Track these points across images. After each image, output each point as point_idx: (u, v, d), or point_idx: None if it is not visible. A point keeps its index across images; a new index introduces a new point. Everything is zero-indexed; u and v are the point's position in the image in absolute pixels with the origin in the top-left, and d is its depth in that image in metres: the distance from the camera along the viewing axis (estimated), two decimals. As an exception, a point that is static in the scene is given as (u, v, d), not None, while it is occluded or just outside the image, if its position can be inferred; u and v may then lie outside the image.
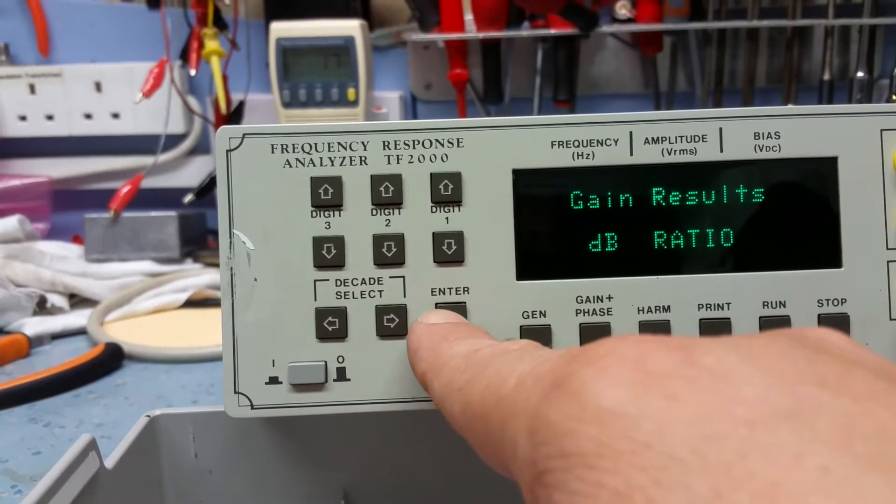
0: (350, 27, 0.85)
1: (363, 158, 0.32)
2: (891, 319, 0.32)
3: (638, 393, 0.15)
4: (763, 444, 0.14)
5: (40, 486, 0.25)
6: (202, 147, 1.00)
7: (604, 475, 0.14)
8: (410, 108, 1.01)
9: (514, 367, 0.20)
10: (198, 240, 0.92)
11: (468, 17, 0.89)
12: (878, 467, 0.13)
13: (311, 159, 0.32)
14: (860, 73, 0.86)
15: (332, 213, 0.32)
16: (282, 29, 0.86)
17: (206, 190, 0.92)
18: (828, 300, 0.32)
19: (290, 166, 0.32)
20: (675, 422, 0.14)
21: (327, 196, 0.31)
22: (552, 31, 0.88)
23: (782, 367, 0.16)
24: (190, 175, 0.99)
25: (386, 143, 0.32)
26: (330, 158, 0.32)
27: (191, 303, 0.76)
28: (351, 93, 0.86)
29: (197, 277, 0.80)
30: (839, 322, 0.32)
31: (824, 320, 0.32)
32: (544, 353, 0.21)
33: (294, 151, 0.32)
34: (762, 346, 0.17)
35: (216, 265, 0.83)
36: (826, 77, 0.88)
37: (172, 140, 0.96)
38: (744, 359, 0.16)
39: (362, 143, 0.32)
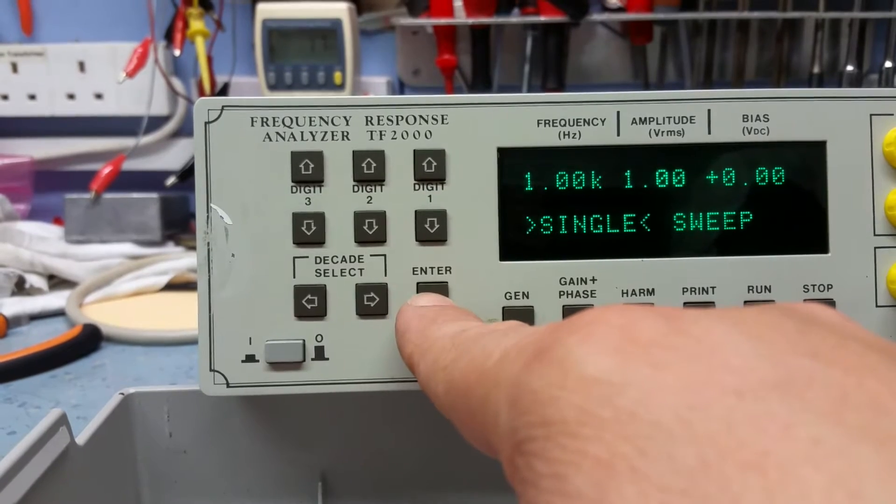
0: (338, 9, 0.84)
1: (345, 133, 0.31)
2: (877, 306, 0.32)
3: (623, 361, 0.15)
4: (752, 413, 0.13)
5: (8, 459, 0.24)
6: (186, 129, 0.99)
7: (586, 443, 0.14)
8: (398, 93, 1.00)
9: (499, 342, 0.20)
10: (180, 223, 0.91)
11: (457, 2, 0.88)
12: (869, 439, 0.13)
13: (292, 133, 0.31)
14: (849, 67, 0.86)
15: (312, 188, 0.31)
16: (268, 10, 0.85)
17: (190, 172, 0.91)
18: (814, 286, 0.31)
19: (271, 140, 0.31)
20: (660, 390, 0.14)
21: (308, 171, 0.31)
22: (542, 19, 0.88)
23: (772, 338, 0.15)
24: (173, 157, 0.98)
25: (369, 119, 0.31)
26: (311, 133, 0.31)
27: (171, 286, 0.76)
28: (337, 76, 0.85)
29: (178, 260, 0.79)
30: (825, 308, 0.31)
31: (810, 306, 0.31)
32: (531, 328, 0.20)
33: (274, 125, 0.31)
34: (752, 318, 0.16)
35: (198, 248, 0.82)
36: (815, 70, 0.88)
37: (156, 122, 0.95)
38: (733, 329, 0.16)
39: (344, 117, 0.31)
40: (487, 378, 0.19)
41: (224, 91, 0.90)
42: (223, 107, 0.31)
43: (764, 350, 0.15)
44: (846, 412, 0.13)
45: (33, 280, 0.74)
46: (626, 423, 0.14)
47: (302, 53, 0.85)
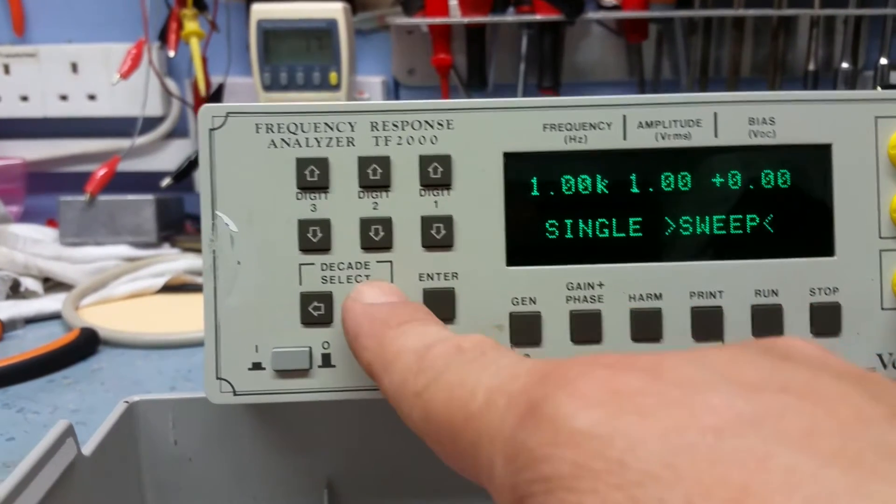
0: (333, 9, 0.84)
1: (350, 140, 0.31)
2: (882, 309, 0.32)
3: (610, 413, 0.16)
4: (731, 449, 0.14)
5: (17, 473, 0.24)
6: (180, 130, 0.98)
7: (583, 496, 0.15)
8: (393, 93, 1.00)
9: (478, 378, 0.20)
10: (175, 224, 0.91)
11: (453, 1, 0.88)
12: (838, 461, 0.14)
13: (297, 140, 0.31)
14: (845, 64, 0.87)
15: (318, 195, 0.31)
16: (263, 10, 0.85)
17: (185, 173, 0.91)
18: (820, 289, 0.31)
19: (276, 147, 0.31)
20: (646, 437, 0.15)
21: (313, 178, 0.31)
22: (537, 17, 0.87)
23: (748, 376, 0.17)
24: (168, 158, 0.97)
25: (374, 125, 0.31)
26: (316, 139, 0.31)
27: (168, 288, 0.75)
28: (333, 77, 0.85)
29: (174, 262, 0.78)
30: (831, 311, 0.31)
31: (816, 309, 0.31)
32: (508, 363, 0.20)
33: (279, 131, 0.31)
34: (729, 358, 0.18)
35: (194, 250, 0.82)
36: (811, 67, 0.88)
37: (150, 123, 0.95)
38: (710, 371, 0.17)
39: (349, 123, 0.31)
40: (476, 423, 0.19)
41: (219, 92, 0.90)
42: (228, 114, 0.31)
43: (740, 389, 0.16)
44: (817, 439, 0.14)
45: (28, 283, 0.74)
46: (618, 473, 0.15)
47: (297, 54, 0.85)
